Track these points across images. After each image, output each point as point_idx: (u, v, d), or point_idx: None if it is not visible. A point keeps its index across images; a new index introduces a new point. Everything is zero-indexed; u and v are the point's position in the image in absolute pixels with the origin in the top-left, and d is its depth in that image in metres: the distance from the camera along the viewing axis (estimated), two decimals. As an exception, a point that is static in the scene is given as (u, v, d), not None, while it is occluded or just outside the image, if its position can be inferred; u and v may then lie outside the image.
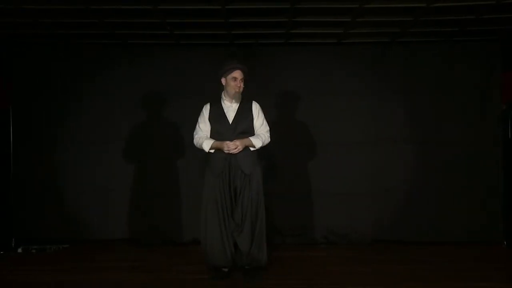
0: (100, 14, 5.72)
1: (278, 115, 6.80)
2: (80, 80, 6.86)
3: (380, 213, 6.81)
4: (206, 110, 5.13)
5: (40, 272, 5.46)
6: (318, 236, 6.84)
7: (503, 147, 6.79)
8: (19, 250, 6.51)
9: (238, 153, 4.94)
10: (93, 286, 5.01)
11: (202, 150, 5.07)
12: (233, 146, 4.90)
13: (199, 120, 5.14)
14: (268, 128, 5.15)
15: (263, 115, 5.15)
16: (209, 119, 5.08)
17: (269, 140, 5.13)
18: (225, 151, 4.93)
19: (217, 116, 5.06)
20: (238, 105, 5.07)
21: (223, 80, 5.07)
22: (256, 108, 5.11)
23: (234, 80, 5.00)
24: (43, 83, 6.87)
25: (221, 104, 5.09)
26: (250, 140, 4.99)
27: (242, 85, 5.04)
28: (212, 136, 5.06)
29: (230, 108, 5.07)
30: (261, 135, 5.07)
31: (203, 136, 5.08)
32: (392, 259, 5.97)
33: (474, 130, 6.78)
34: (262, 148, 5.11)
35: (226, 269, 5.13)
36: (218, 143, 4.95)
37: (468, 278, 5.13)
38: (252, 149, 5.03)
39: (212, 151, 5.01)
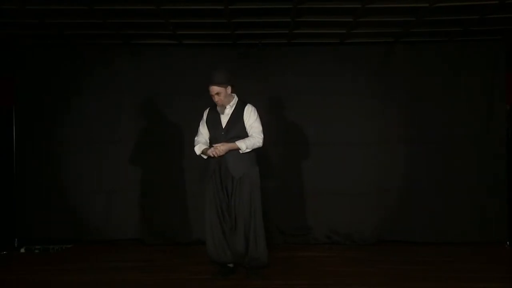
0: (104, 14, 5.73)
1: (281, 115, 6.80)
2: (83, 80, 6.86)
3: (384, 213, 6.78)
4: (205, 114, 5.26)
5: (43, 272, 5.46)
6: (321, 236, 6.83)
7: (508, 147, 6.77)
8: (22, 250, 6.52)
9: (229, 157, 5.00)
10: (97, 286, 5.01)
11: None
12: (212, 153, 4.97)
13: (200, 124, 5.27)
14: (260, 129, 5.10)
15: (255, 116, 5.11)
16: (206, 124, 5.20)
17: (261, 140, 5.07)
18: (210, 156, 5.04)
19: (212, 121, 5.17)
20: (232, 110, 5.11)
21: None
22: (248, 111, 5.10)
23: (211, 96, 5.05)
24: (46, 82, 6.86)
25: (217, 110, 5.14)
26: (235, 144, 5.01)
27: (219, 98, 5.01)
28: (209, 140, 5.19)
29: (225, 114, 5.13)
30: (250, 137, 5.05)
31: (200, 140, 5.20)
32: (395, 259, 5.95)
33: (479, 130, 6.75)
34: (259, 148, 5.10)
35: (231, 265, 5.24)
36: (206, 149, 5.07)
37: (472, 278, 5.13)
38: (241, 151, 5.03)
39: (204, 156, 5.12)
